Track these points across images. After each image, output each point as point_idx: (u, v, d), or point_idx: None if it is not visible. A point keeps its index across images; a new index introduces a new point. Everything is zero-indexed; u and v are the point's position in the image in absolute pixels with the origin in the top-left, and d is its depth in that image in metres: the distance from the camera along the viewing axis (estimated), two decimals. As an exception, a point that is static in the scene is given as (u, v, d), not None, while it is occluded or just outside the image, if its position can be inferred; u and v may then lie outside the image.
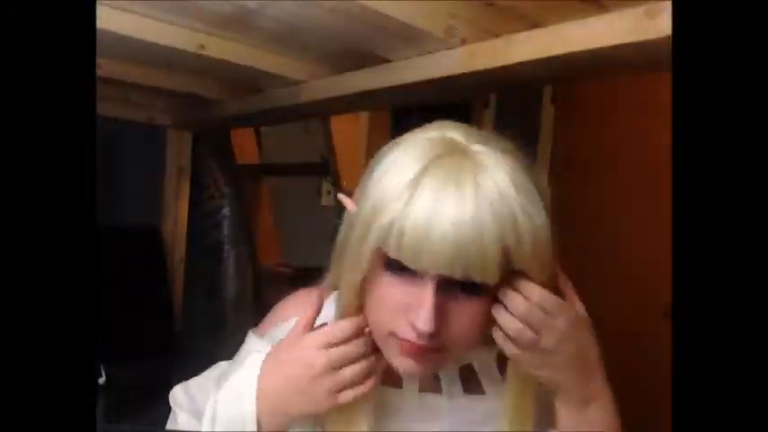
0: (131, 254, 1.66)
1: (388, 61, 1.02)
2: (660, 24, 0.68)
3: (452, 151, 0.52)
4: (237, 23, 0.95)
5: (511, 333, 0.53)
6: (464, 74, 0.91)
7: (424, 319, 0.50)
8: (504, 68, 0.86)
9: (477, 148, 0.52)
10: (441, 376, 0.62)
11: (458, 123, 0.56)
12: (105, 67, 1.16)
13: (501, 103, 2.06)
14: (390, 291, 0.53)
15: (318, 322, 0.62)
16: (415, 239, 0.49)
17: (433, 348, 0.52)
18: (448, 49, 0.92)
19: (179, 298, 1.80)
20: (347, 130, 1.85)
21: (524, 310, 0.52)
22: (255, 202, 2.12)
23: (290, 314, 0.67)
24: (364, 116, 1.81)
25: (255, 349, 0.65)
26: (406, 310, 0.52)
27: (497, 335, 0.55)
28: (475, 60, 0.89)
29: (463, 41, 0.89)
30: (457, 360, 0.60)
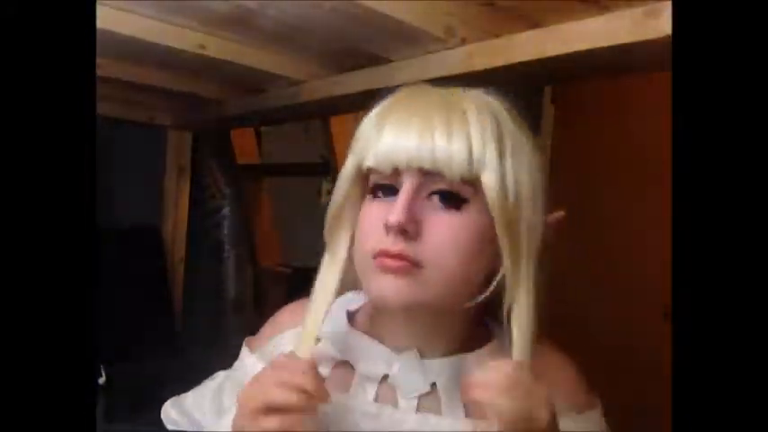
0: (131, 254, 1.66)
1: (388, 61, 1.02)
2: (660, 24, 0.68)
3: (435, 88, 0.56)
4: (237, 23, 0.95)
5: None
6: (464, 74, 0.91)
7: (395, 211, 0.49)
8: (504, 68, 0.86)
9: (466, 91, 0.55)
10: (441, 395, 0.56)
11: None
12: (105, 67, 1.16)
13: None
14: (372, 211, 0.53)
15: (326, 332, 0.60)
16: (388, 141, 0.51)
17: (409, 260, 0.50)
18: (448, 49, 0.92)
19: (179, 298, 1.80)
20: (347, 130, 1.85)
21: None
22: (255, 202, 2.11)
23: (284, 326, 0.65)
24: (364, 116, 1.81)
25: (248, 364, 0.65)
26: (385, 223, 0.51)
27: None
28: (475, 60, 0.89)
29: (463, 41, 0.89)
30: (441, 301, 0.53)
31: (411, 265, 0.50)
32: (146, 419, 1.43)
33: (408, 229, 0.49)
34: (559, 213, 0.57)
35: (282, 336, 0.64)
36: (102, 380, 1.39)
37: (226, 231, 1.85)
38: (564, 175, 2.06)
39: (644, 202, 1.80)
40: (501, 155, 0.51)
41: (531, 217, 0.52)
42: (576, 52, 0.77)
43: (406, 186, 0.50)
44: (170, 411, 0.69)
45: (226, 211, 1.86)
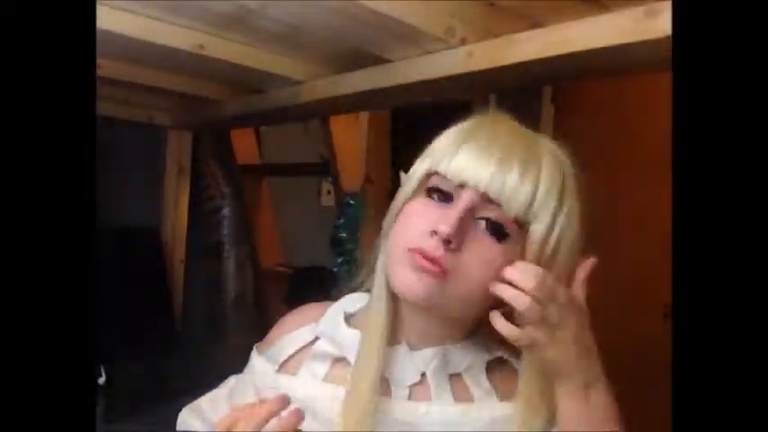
0: (131, 254, 1.66)
1: (388, 61, 1.02)
2: (660, 24, 0.68)
3: (509, 120, 0.62)
4: (237, 23, 0.95)
5: (520, 305, 0.52)
6: (464, 74, 0.91)
7: (449, 220, 0.53)
8: (504, 68, 0.86)
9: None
10: (430, 382, 0.61)
11: None
12: (105, 67, 1.16)
13: (501, 103, 2.05)
14: (424, 209, 0.57)
15: (313, 335, 0.66)
16: (468, 157, 0.55)
17: (441, 267, 0.53)
18: (448, 49, 0.92)
19: (179, 298, 1.80)
20: (347, 130, 1.85)
21: (533, 281, 0.52)
22: (255, 202, 2.12)
23: (296, 326, 0.69)
24: (364, 116, 1.81)
25: (256, 365, 0.68)
26: (432, 226, 0.54)
27: (495, 318, 0.54)
28: (475, 60, 0.89)
29: (463, 41, 0.89)
30: (453, 314, 0.59)
31: (442, 272, 0.54)
32: (146, 419, 1.44)
33: (453, 241, 0.53)
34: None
35: (294, 333, 0.68)
36: (102, 380, 1.39)
37: (226, 231, 1.85)
38: (564, 175, 2.06)
39: (644, 201, 1.81)
40: (557, 211, 0.56)
41: (561, 269, 0.57)
42: (576, 52, 0.77)
43: (464, 202, 0.54)
44: (188, 417, 0.71)
45: (226, 211, 1.86)
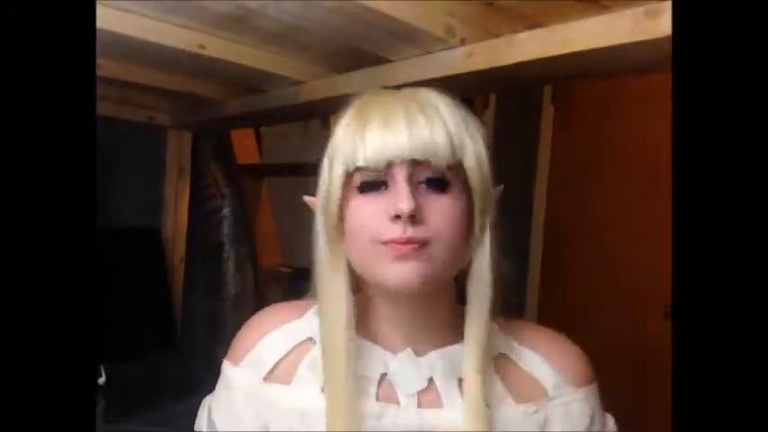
0: (131, 254, 1.66)
1: (388, 61, 1.02)
2: (660, 24, 0.68)
3: (392, 90, 0.61)
4: (237, 23, 0.96)
5: None
6: (464, 74, 0.91)
7: (403, 199, 0.53)
8: (504, 68, 0.86)
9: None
10: (439, 388, 0.59)
11: None
12: (105, 67, 1.16)
13: (501, 103, 2.06)
14: (367, 205, 0.56)
15: (306, 334, 0.62)
16: (378, 141, 0.55)
17: (419, 242, 0.54)
18: (448, 49, 0.92)
19: (179, 298, 1.80)
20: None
21: None
22: (255, 202, 2.11)
23: (272, 327, 0.64)
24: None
25: (232, 379, 0.64)
26: (386, 213, 0.54)
27: None
28: (475, 60, 0.89)
29: (463, 41, 0.89)
30: (447, 273, 0.58)
31: (420, 246, 0.54)
32: (146, 419, 1.44)
33: (416, 215, 0.54)
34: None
35: (269, 339, 0.63)
36: (102, 380, 1.39)
37: (226, 231, 1.85)
38: (564, 175, 2.07)
39: (644, 201, 1.80)
40: (473, 140, 0.58)
41: (490, 190, 0.59)
42: (576, 52, 0.77)
43: (402, 177, 0.55)
44: None
45: (226, 211, 1.86)
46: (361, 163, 0.55)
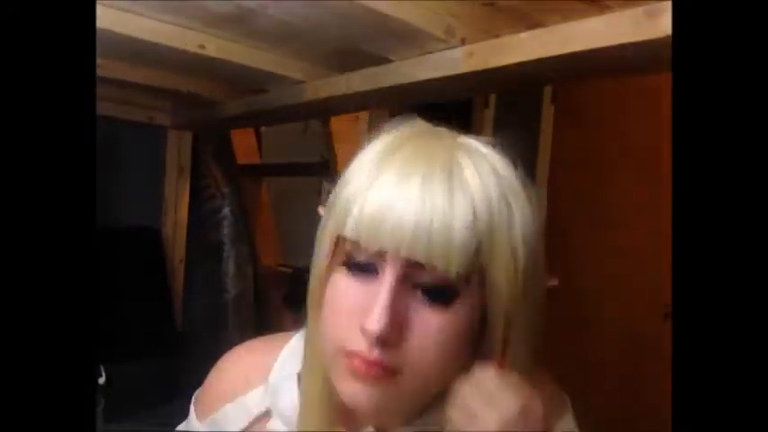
0: (131, 254, 1.66)
1: (388, 61, 1.02)
2: (660, 24, 0.68)
3: (427, 133, 0.48)
4: (237, 23, 0.96)
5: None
6: (464, 74, 0.91)
7: (375, 315, 0.42)
8: (504, 68, 0.86)
9: (462, 137, 0.48)
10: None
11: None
12: (105, 67, 1.16)
13: (501, 103, 2.06)
14: (347, 292, 0.45)
15: (264, 406, 0.56)
16: (376, 214, 0.42)
17: (387, 369, 0.43)
18: (448, 49, 0.92)
19: (179, 298, 1.80)
20: (347, 130, 1.85)
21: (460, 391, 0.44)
22: (255, 202, 2.11)
23: (239, 386, 0.58)
24: (364, 116, 1.81)
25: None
26: (361, 316, 0.43)
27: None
28: (475, 60, 0.89)
29: (463, 41, 0.89)
30: (416, 403, 0.49)
31: (387, 375, 0.44)
32: (146, 419, 1.44)
33: (389, 339, 0.43)
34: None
35: (233, 405, 0.57)
36: (102, 380, 1.39)
37: (226, 231, 1.85)
38: (564, 175, 2.06)
39: (644, 201, 1.81)
40: (510, 239, 0.44)
41: (533, 295, 0.46)
42: (576, 52, 0.77)
43: (389, 279, 0.43)
44: None
45: (226, 211, 1.86)
46: (348, 233, 0.44)
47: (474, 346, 0.46)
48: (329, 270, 0.47)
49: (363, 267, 0.45)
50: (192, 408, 0.62)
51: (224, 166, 1.88)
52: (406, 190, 0.42)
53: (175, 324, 1.75)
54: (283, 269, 2.06)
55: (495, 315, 0.45)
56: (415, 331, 0.43)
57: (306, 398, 0.52)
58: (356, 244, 0.44)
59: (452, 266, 0.42)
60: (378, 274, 0.44)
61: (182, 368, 1.65)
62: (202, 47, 1.02)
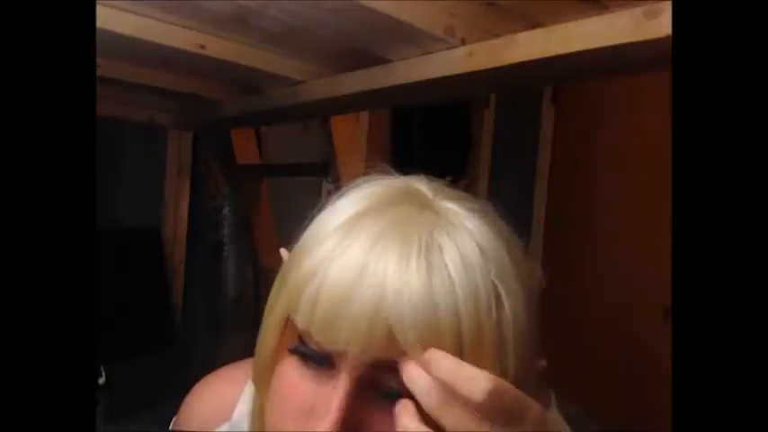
0: (131, 254, 1.66)
1: (388, 61, 1.02)
2: (660, 24, 0.68)
3: (406, 199, 0.41)
4: (237, 23, 0.95)
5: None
6: (464, 74, 0.91)
7: (328, 422, 0.36)
8: (504, 68, 0.86)
9: (443, 202, 0.41)
10: None
11: (435, 179, 0.45)
12: (105, 67, 1.16)
13: (501, 103, 2.06)
14: (296, 388, 0.40)
15: (239, 413, 0.54)
16: (333, 304, 0.35)
17: None
18: (448, 49, 0.92)
19: (179, 298, 1.80)
20: (347, 130, 1.85)
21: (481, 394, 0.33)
22: (255, 202, 2.11)
23: (203, 422, 0.56)
24: (364, 116, 1.81)
25: None
26: (311, 415, 0.38)
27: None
28: (475, 60, 0.89)
29: (463, 41, 0.89)
30: None
31: None
32: (146, 419, 1.44)
33: None
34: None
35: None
36: (102, 380, 1.39)
37: (226, 231, 1.85)
38: (564, 175, 2.06)
39: (644, 201, 1.81)
40: (500, 337, 0.37)
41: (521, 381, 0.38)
42: (576, 52, 0.77)
43: (344, 383, 0.36)
44: None
45: (226, 211, 1.86)
46: (299, 322, 0.38)
47: None
48: (277, 354, 0.42)
49: (317, 359, 0.39)
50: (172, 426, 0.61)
51: (224, 166, 1.88)
52: (373, 276, 0.35)
53: (175, 324, 1.75)
54: (283, 269, 2.06)
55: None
56: (375, 429, 0.37)
57: None
58: (308, 333, 0.38)
59: (422, 352, 0.35)
60: (334, 367, 0.38)
61: (182, 368, 1.65)
62: (202, 47, 1.02)
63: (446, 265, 0.36)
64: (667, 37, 0.67)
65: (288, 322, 0.41)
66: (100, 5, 0.88)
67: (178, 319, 1.78)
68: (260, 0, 0.85)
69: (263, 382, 0.44)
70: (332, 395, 0.37)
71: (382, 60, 1.02)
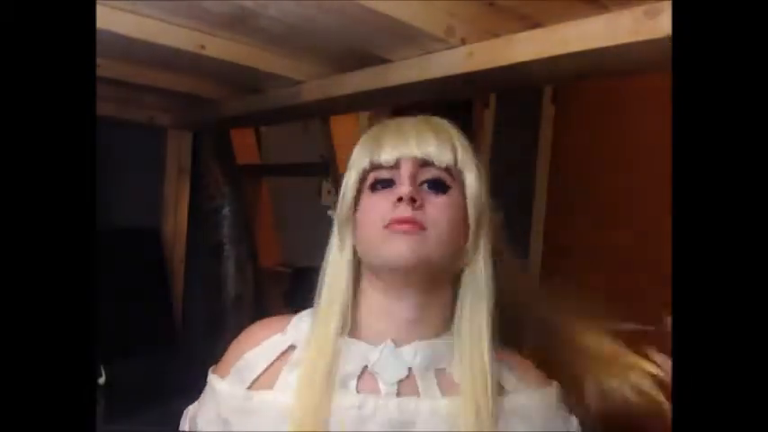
0: (131, 254, 1.66)
1: (388, 61, 1.02)
2: (660, 24, 0.68)
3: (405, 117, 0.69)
4: (237, 23, 0.96)
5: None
6: (464, 74, 0.91)
7: (404, 187, 0.61)
8: (504, 68, 0.86)
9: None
10: (417, 377, 0.62)
11: None
12: (105, 67, 1.16)
13: (501, 103, 2.06)
14: (375, 200, 0.63)
15: (287, 343, 0.65)
16: (388, 143, 0.63)
17: (418, 224, 0.60)
18: (448, 49, 0.92)
19: (179, 298, 1.80)
20: (347, 130, 1.85)
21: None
22: (255, 202, 2.11)
23: (259, 339, 0.67)
24: (364, 116, 1.81)
25: (218, 391, 0.65)
26: (391, 200, 0.61)
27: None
28: (475, 60, 0.89)
29: (463, 41, 0.89)
30: (438, 261, 0.62)
31: (419, 227, 0.60)
32: (146, 419, 1.44)
33: (416, 199, 0.61)
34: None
35: (256, 350, 0.66)
36: (102, 380, 1.39)
37: (226, 231, 1.85)
38: (564, 175, 2.06)
39: (644, 201, 1.81)
40: (472, 158, 0.65)
41: (488, 213, 0.66)
42: (575, 52, 0.77)
43: (407, 170, 0.62)
44: None
45: (226, 211, 1.85)
46: (375, 158, 0.63)
47: (465, 238, 0.64)
48: (356, 197, 0.65)
49: (384, 183, 0.63)
50: (210, 376, 0.68)
51: (224, 166, 1.88)
52: (406, 130, 0.64)
53: (175, 324, 1.75)
54: (283, 269, 2.06)
55: (471, 211, 0.64)
56: (428, 206, 0.62)
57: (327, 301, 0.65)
58: (378, 167, 0.64)
59: (443, 161, 0.63)
60: (394, 185, 0.63)
61: (181, 368, 1.65)
62: (202, 47, 1.02)
63: (443, 126, 0.66)
64: (667, 37, 0.67)
65: (359, 181, 0.65)
66: (100, 5, 0.88)
67: (178, 319, 1.77)
68: (260, 0, 0.85)
69: (345, 218, 0.66)
70: (402, 182, 0.62)
71: (382, 60, 1.02)
